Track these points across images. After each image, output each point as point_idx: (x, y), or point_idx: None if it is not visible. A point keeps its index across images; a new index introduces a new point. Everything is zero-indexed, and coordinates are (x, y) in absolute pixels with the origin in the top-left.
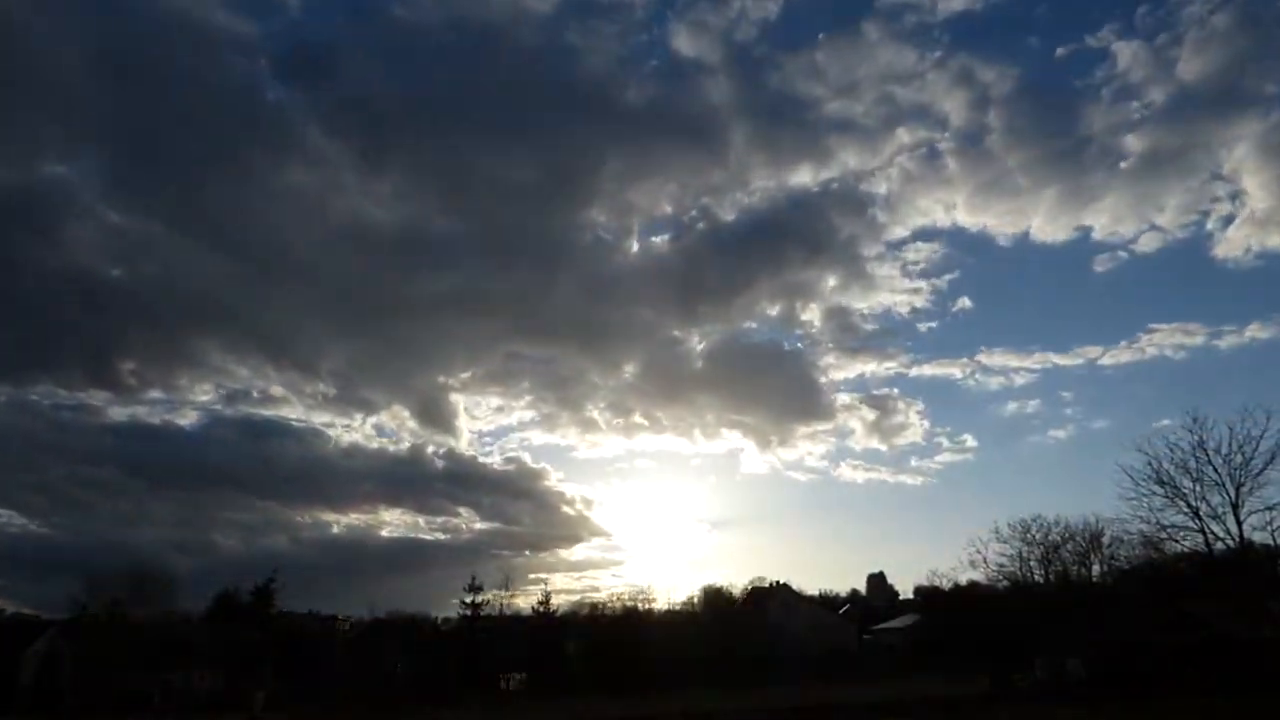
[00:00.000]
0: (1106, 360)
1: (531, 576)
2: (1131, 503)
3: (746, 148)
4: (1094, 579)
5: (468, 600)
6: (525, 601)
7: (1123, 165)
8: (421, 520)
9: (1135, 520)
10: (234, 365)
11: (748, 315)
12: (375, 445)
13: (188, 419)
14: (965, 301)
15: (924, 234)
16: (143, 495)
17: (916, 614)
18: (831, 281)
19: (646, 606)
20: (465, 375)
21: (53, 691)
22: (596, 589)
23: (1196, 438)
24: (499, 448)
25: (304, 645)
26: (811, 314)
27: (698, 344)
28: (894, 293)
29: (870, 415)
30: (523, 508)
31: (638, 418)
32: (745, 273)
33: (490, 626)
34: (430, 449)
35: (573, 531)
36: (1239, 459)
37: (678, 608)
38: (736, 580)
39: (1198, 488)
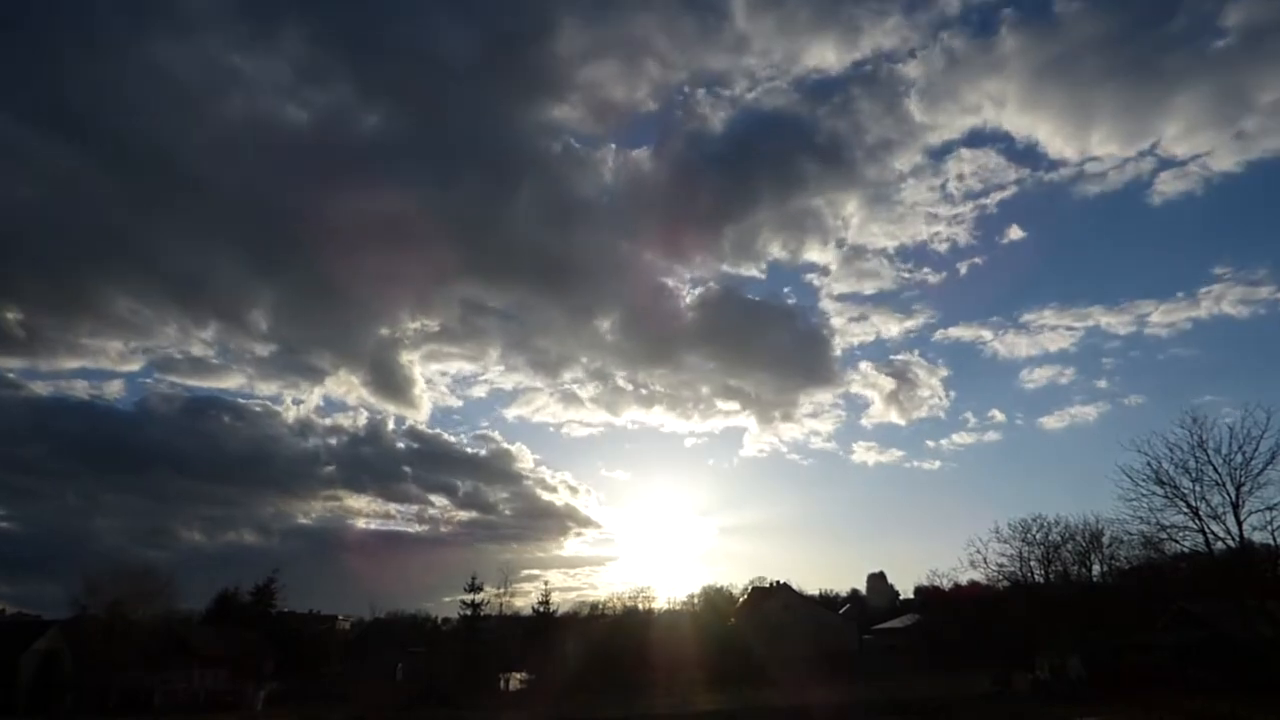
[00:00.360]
0: (1158, 318)
1: (525, 573)
2: (1131, 503)
3: (750, 16)
4: (1094, 579)
5: (467, 600)
6: (523, 601)
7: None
8: (393, 508)
9: (1135, 520)
10: (144, 316)
11: (745, 253)
12: (328, 422)
13: (116, 392)
14: (1016, 231)
15: (971, 138)
16: (85, 481)
17: (916, 614)
18: (851, 207)
19: (646, 606)
20: (414, 327)
21: (53, 691)
22: (594, 585)
23: (1196, 437)
24: (466, 422)
25: (304, 645)
26: (824, 254)
27: (688, 295)
28: (931, 220)
29: (887, 383)
30: (500, 495)
31: (620, 382)
32: (743, 193)
33: (490, 626)
34: (390, 425)
35: (559, 522)
36: (1239, 458)
37: (678, 608)
38: (736, 580)
39: (1198, 488)
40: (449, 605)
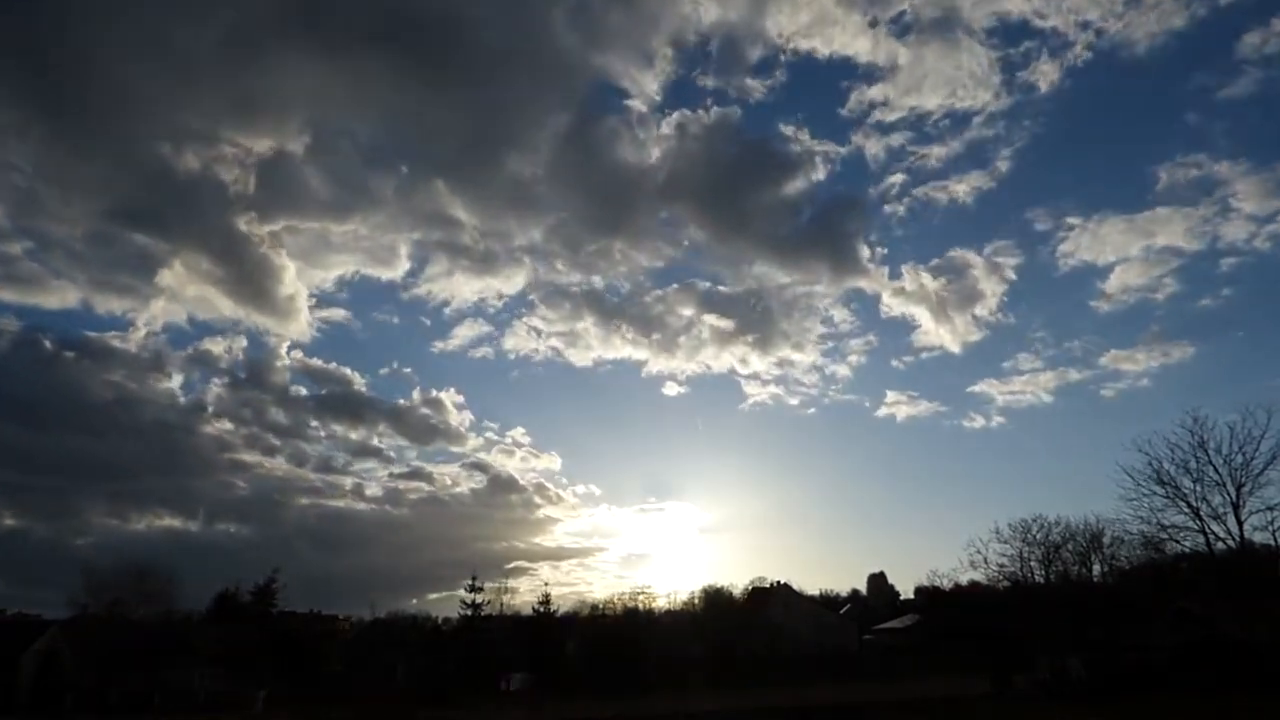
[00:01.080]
0: None
1: (509, 566)
2: (1132, 503)
3: None
4: (1094, 579)
5: (468, 600)
6: (512, 598)
7: None
8: (316, 479)
9: (1136, 520)
10: None
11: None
12: (188, 353)
13: None
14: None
15: None
16: None
17: (917, 614)
18: None
19: (647, 607)
20: (262, 149)
21: (53, 691)
22: (589, 582)
23: (1197, 438)
24: (359, 346)
25: (304, 645)
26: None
27: (654, 129)
28: None
29: (931, 283)
30: (448, 469)
31: (561, 267)
32: None
33: (490, 626)
34: (268, 345)
35: (529, 499)
36: (1240, 459)
37: (678, 608)
38: (737, 580)
39: (1198, 488)
40: (451, 607)
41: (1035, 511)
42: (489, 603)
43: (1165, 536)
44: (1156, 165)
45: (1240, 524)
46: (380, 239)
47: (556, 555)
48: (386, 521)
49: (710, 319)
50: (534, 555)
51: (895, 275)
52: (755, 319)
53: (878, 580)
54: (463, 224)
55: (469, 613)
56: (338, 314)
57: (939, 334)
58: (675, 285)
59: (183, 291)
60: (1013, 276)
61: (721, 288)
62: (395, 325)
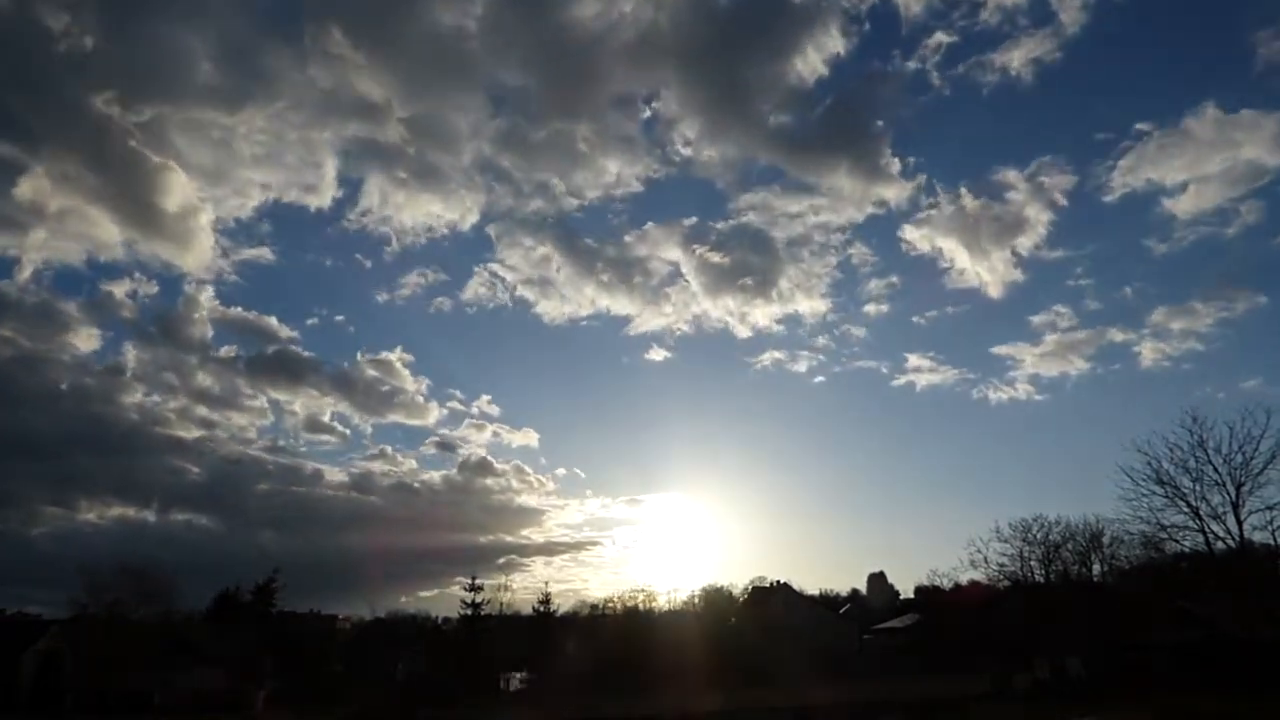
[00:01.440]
0: None
1: (500, 561)
2: (1132, 503)
3: None
4: (1094, 579)
5: (468, 600)
6: (514, 598)
7: None
8: (270, 461)
9: (1135, 520)
10: None
11: None
12: (88, 301)
13: None
14: None
15: None
16: None
17: (917, 614)
18: None
19: (647, 606)
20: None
21: (53, 691)
22: (584, 579)
23: (1197, 437)
24: (286, 292)
25: (304, 645)
26: None
27: None
28: None
29: (971, 204)
30: (415, 453)
31: (518, 176)
32: None
33: (490, 626)
34: (179, 289)
35: (507, 483)
36: (1239, 459)
37: (678, 608)
38: (737, 580)
39: (1198, 487)
40: (452, 607)
41: (1056, 505)
42: (488, 602)
43: (1165, 536)
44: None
45: (1240, 523)
46: (287, 138)
47: (548, 550)
48: (359, 512)
49: (701, 251)
50: (526, 550)
51: (928, 192)
52: (754, 261)
53: (878, 580)
54: (382, 109)
55: (469, 612)
56: (261, 253)
57: (975, 272)
58: (653, 223)
59: (48, 207)
60: (1062, 202)
61: (716, 224)
62: (328, 268)
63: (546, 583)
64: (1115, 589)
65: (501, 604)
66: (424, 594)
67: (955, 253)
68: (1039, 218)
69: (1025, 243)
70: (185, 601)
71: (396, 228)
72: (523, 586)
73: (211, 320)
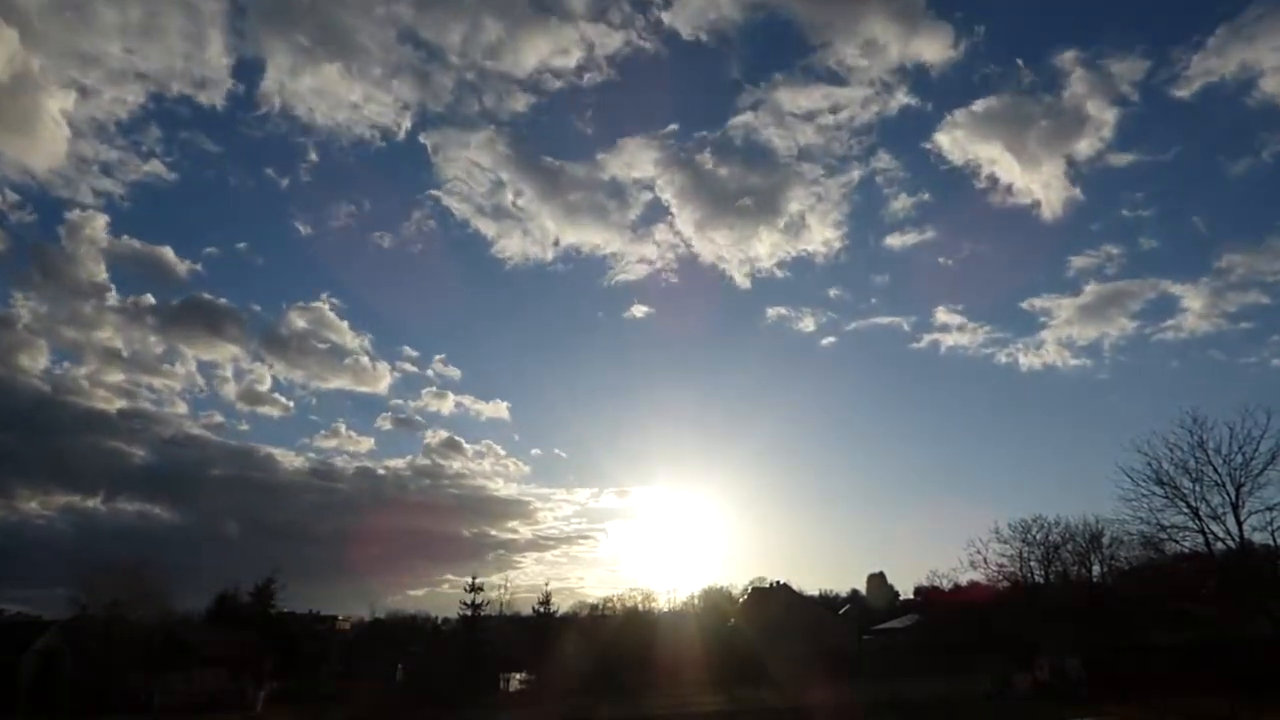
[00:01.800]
0: None
1: (491, 557)
2: (1131, 503)
3: None
4: (1094, 579)
5: (468, 600)
6: (514, 597)
7: None
8: (217, 443)
9: (1135, 521)
10: None
11: None
12: None
13: None
14: None
15: None
16: None
17: (916, 614)
18: None
19: (647, 607)
20: None
21: (53, 691)
22: (580, 577)
23: (1196, 437)
24: (179, 220)
25: (304, 645)
26: None
27: None
28: None
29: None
30: (371, 432)
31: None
32: None
33: (490, 626)
34: (44, 201)
35: (481, 468)
36: (1239, 459)
37: (678, 608)
38: (736, 579)
39: (1198, 488)
40: (451, 607)
41: (1072, 498)
42: (488, 602)
43: (1165, 537)
44: None
45: (1240, 524)
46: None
47: (539, 546)
48: (324, 502)
49: (701, 160)
50: (515, 545)
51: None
52: (755, 180)
53: (878, 580)
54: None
55: (468, 612)
56: (156, 167)
57: (1025, 183)
58: (632, 136)
59: None
60: (1134, 96)
61: (705, 132)
62: (231, 187)
63: (547, 582)
64: (1115, 589)
65: (501, 604)
66: (413, 592)
67: (1000, 160)
68: (1104, 116)
69: (1087, 148)
70: (174, 600)
71: (307, 116)
72: (515, 585)
73: (106, 255)
